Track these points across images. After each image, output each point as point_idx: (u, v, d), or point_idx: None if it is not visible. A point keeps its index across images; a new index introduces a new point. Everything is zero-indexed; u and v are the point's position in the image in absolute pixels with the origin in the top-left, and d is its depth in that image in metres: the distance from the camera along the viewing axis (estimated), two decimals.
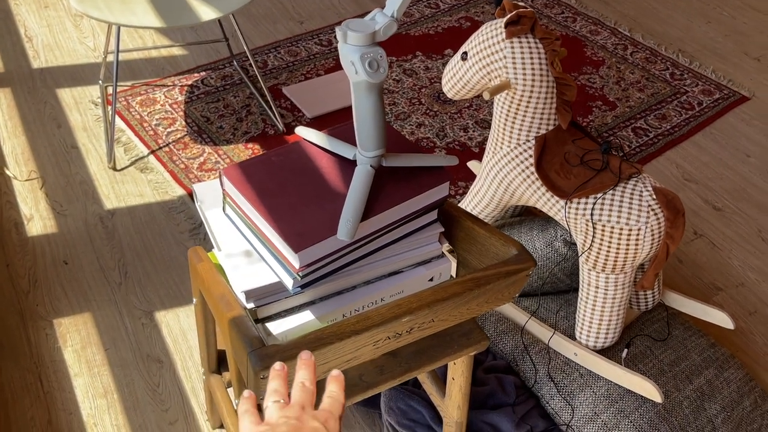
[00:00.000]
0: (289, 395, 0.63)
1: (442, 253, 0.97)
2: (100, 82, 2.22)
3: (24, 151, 2.03)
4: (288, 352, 0.74)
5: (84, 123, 2.15)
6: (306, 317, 0.85)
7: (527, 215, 1.59)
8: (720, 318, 1.43)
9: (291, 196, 0.82)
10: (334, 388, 0.64)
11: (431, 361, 0.95)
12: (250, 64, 2.40)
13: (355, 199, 0.79)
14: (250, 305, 0.84)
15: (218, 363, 1.21)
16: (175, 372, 1.53)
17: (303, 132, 0.91)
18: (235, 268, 0.85)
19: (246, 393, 0.65)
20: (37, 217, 1.85)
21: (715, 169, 2.21)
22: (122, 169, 2.00)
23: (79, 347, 1.57)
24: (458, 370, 1.09)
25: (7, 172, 1.96)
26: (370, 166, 0.82)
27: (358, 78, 0.76)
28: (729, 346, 1.67)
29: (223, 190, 0.87)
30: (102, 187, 1.95)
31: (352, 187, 0.81)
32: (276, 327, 0.84)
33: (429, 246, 0.94)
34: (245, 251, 0.87)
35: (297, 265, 0.78)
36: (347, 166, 0.87)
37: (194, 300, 1.04)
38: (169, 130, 2.13)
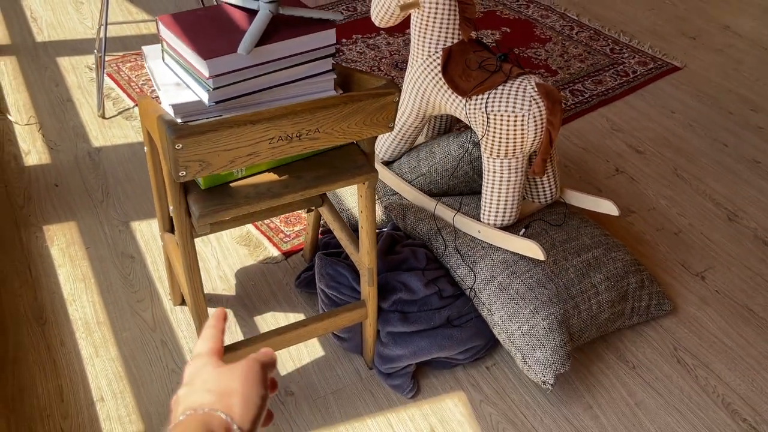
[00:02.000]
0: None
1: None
2: (95, 51, 2.51)
3: (25, 103, 2.32)
4: (198, 128, 0.99)
5: (79, 83, 2.44)
6: None
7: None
8: (607, 207, 1.67)
9: (208, 33, 1.08)
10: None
11: (329, 182, 1.20)
12: None
13: (254, 29, 1.05)
14: (178, 119, 1.09)
15: (171, 222, 1.46)
16: (145, 265, 1.78)
17: None
18: (166, 92, 1.10)
19: (219, 312, 0.66)
20: (33, 151, 2.12)
21: (642, 122, 2.45)
22: (110, 117, 2.28)
23: (63, 246, 1.82)
24: (364, 217, 1.33)
25: (9, 117, 2.24)
26: (269, 10, 1.09)
27: None
28: (635, 254, 1.90)
29: (159, 35, 1.13)
30: (92, 130, 2.22)
31: (253, 23, 1.07)
32: None
33: (326, 92, 1.20)
34: (176, 83, 1.13)
35: (206, 74, 1.03)
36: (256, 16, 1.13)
37: (145, 149, 1.30)
38: (153, 88, 2.41)
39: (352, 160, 1.24)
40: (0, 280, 1.72)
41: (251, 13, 1.15)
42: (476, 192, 1.74)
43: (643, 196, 2.12)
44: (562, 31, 2.96)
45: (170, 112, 1.09)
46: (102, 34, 2.19)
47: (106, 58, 2.56)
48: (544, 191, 1.67)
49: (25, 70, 2.48)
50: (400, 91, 1.13)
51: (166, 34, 1.11)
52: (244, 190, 1.16)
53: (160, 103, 1.18)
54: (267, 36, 1.08)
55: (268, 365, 0.62)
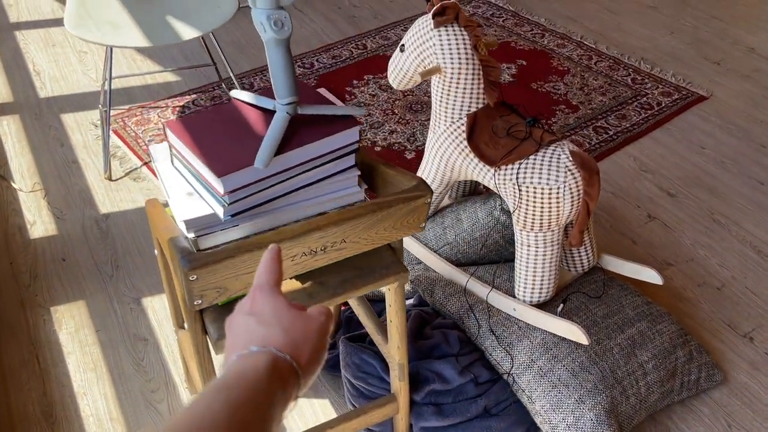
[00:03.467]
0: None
1: (365, 197, 1.13)
2: (100, 106, 2.44)
3: (29, 167, 2.24)
4: (214, 257, 0.89)
5: (84, 142, 2.35)
6: None
7: (475, 195, 1.74)
8: (649, 275, 1.55)
9: (221, 140, 0.98)
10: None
11: (355, 288, 1.10)
12: (237, 87, 2.61)
13: (271, 137, 0.96)
14: (191, 235, 0.99)
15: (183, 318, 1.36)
16: (159, 348, 1.68)
17: (235, 93, 1.08)
18: (178, 204, 1.01)
19: (275, 246, 0.63)
20: (39, 222, 2.03)
21: (671, 160, 2.34)
22: (117, 179, 2.19)
23: (72, 330, 1.72)
24: (393, 311, 1.23)
25: (14, 184, 2.16)
26: (287, 112, 0.99)
27: (267, 36, 0.93)
28: (677, 313, 1.78)
29: (167, 140, 1.03)
30: (98, 195, 2.13)
31: (270, 128, 0.97)
32: None
33: (349, 189, 1.09)
34: (188, 193, 1.03)
35: (221, 190, 0.93)
36: (271, 116, 1.03)
37: (156, 252, 1.20)
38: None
39: (379, 258, 1.14)
40: (7, 373, 1.62)
41: (266, 112, 1.05)
42: (508, 260, 1.64)
43: (680, 245, 2.01)
44: (580, 62, 2.85)
45: (182, 227, 0.99)
46: (107, 87, 2.10)
47: (111, 113, 2.48)
48: (581, 260, 1.56)
49: (29, 130, 2.40)
50: (431, 192, 1.03)
51: (174, 141, 1.01)
52: None
53: (166, 196, 1.08)
54: (285, 140, 0.98)
55: (331, 320, 0.60)
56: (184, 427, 0.45)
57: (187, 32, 2.01)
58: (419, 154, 2.32)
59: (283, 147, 0.97)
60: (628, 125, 2.49)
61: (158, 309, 1.78)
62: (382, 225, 1.01)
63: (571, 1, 3.33)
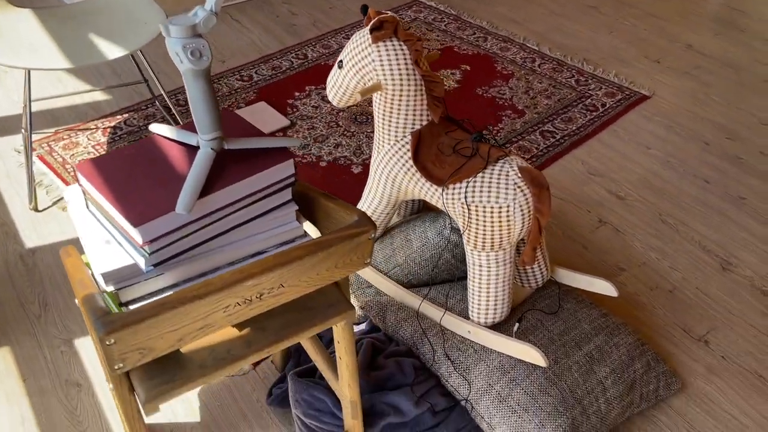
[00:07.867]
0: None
1: (305, 232, 1.05)
2: (23, 130, 2.28)
3: None
4: (131, 318, 0.80)
5: (7, 170, 2.20)
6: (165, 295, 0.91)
7: (425, 212, 1.68)
8: (604, 287, 1.52)
9: (138, 182, 0.89)
10: None
11: (297, 332, 1.02)
12: (170, 104, 2.49)
13: (194, 177, 0.87)
14: (110, 288, 0.90)
15: None
16: (94, 393, 1.57)
17: (155, 128, 0.99)
18: (95, 253, 0.91)
19: None
20: None
21: (619, 162, 2.33)
22: (44, 209, 2.05)
23: None
24: (342, 348, 1.15)
25: None
26: (211, 148, 0.90)
27: (184, 67, 0.85)
28: (632, 320, 1.76)
29: (79, 184, 0.94)
30: (24, 228, 1.99)
31: (193, 168, 0.88)
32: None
33: (288, 225, 1.02)
34: (105, 240, 0.93)
35: (140, 240, 0.84)
36: (195, 153, 0.94)
37: (77, 302, 1.10)
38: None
39: (323, 296, 1.06)
40: None
41: (190, 148, 0.96)
42: (460, 278, 1.58)
43: (632, 249, 1.99)
44: (524, 64, 2.83)
45: (100, 281, 0.89)
46: (27, 113, 1.96)
47: (37, 137, 2.33)
48: (534, 276, 1.52)
49: None
50: (375, 227, 0.96)
51: (86, 185, 0.92)
52: (197, 356, 0.97)
53: (82, 243, 0.98)
54: (210, 180, 0.90)
55: None
56: None
57: (113, 51, 1.89)
58: (367, 168, 2.25)
59: (208, 188, 0.89)
60: (574, 128, 2.47)
61: (91, 350, 1.66)
62: (323, 265, 0.93)
63: (515, 4, 3.31)
